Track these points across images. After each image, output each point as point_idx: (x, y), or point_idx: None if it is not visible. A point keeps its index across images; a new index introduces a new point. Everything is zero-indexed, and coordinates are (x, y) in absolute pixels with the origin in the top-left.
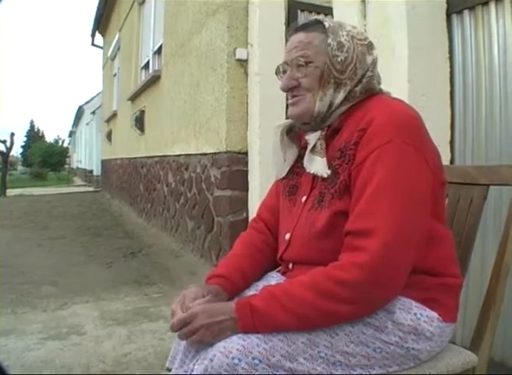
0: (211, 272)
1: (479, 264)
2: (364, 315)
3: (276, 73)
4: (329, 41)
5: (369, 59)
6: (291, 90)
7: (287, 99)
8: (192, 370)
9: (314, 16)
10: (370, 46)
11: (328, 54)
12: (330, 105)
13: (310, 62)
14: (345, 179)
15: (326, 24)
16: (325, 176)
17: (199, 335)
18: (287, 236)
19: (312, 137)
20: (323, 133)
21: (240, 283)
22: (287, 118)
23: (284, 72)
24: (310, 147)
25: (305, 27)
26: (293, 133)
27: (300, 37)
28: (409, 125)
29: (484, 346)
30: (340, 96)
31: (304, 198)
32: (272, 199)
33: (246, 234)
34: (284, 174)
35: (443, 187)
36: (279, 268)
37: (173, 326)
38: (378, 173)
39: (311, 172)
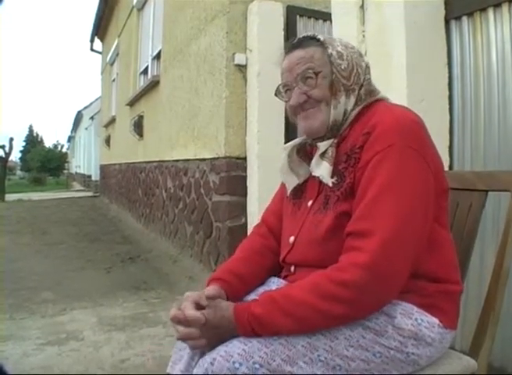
0: (209, 278)
1: (478, 269)
2: (365, 315)
3: (276, 94)
4: (330, 51)
5: (363, 64)
6: (301, 105)
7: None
8: None
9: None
10: (360, 53)
11: (333, 63)
12: (344, 113)
13: (318, 73)
14: (351, 181)
15: (321, 38)
16: (330, 185)
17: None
18: (291, 239)
19: (324, 144)
20: (335, 140)
21: (237, 286)
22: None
23: (286, 91)
24: (320, 152)
25: (299, 44)
26: (303, 152)
27: (298, 54)
28: (411, 129)
29: (483, 352)
30: (351, 102)
31: (310, 203)
32: (277, 204)
33: (246, 240)
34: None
35: (446, 192)
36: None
37: (180, 337)
38: (379, 177)
39: (316, 175)
